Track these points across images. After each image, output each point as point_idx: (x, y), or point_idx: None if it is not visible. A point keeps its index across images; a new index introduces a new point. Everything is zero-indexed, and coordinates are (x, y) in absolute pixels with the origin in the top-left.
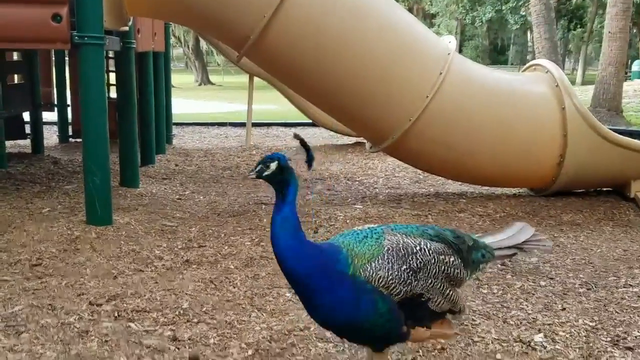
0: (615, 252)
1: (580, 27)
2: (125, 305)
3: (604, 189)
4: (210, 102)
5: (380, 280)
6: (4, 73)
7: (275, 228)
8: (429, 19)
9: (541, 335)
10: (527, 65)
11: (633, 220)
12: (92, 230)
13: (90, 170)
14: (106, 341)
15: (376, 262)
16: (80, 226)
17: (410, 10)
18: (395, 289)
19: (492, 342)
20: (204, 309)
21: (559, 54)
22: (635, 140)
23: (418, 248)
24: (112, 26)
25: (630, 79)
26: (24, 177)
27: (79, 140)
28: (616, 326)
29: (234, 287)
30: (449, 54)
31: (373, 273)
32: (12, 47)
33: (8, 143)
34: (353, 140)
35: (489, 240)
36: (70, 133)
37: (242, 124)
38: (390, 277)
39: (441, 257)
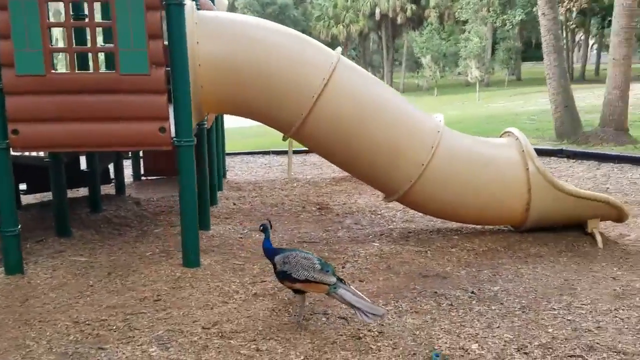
0: (558, 281)
1: (608, 28)
2: (224, 328)
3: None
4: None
5: (276, 260)
6: None
7: (264, 245)
8: (460, 25)
9: (476, 345)
10: (503, 131)
11: (587, 252)
12: (187, 271)
13: (186, 229)
14: (220, 352)
15: (279, 255)
16: (179, 268)
17: (441, 16)
18: (277, 263)
19: (441, 349)
20: (271, 330)
21: (568, 79)
22: (583, 190)
23: (292, 257)
24: (195, 122)
25: None
26: (119, 220)
27: (150, 177)
28: (526, 339)
29: (289, 315)
30: (438, 131)
31: (277, 258)
32: (132, 149)
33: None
34: None
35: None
36: (142, 172)
37: (284, 152)
38: (277, 260)
39: (303, 260)
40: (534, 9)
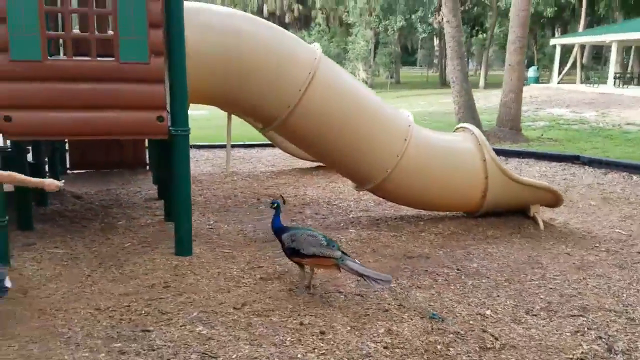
0: (523, 258)
1: (482, 33)
2: (255, 307)
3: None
4: None
5: (284, 237)
6: None
7: (273, 221)
8: (345, 27)
9: (489, 311)
10: (457, 126)
11: (533, 233)
12: (183, 260)
13: (181, 221)
14: (267, 327)
15: (287, 233)
16: (171, 257)
17: (327, 19)
18: (285, 241)
19: (462, 316)
20: (301, 308)
21: (469, 82)
22: (529, 179)
23: (299, 235)
24: None
25: (525, 84)
26: (71, 214)
27: (75, 171)
28: (527, 304)
29: (310, 294)
30: (409, 125)
31: (285, 236)
32: (129, 137)
33: None
34: (315, 164)
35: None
36: (68, 166)
37: (207, 146)
38: (284, 238)
39: (309, 238)
40: (413, 17)
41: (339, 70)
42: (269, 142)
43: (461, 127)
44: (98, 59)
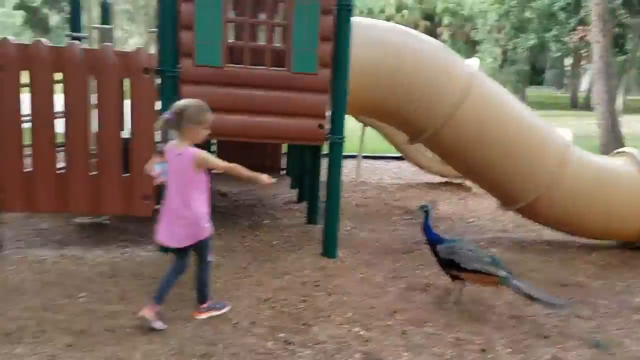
0: None
1: (620, 55)
2: (407, 316)
3: None
4: None
5: (439, 248)
6: None
7: (425, 229)
8: (471, 44)
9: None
10: (617, 150)
11: None
12: (329, 262)
13: (330, 222)
14: (424, 338)
15: (443, 244)
16: (317, 258)
17: (452, 35)
18: (441, 251)
19: (632, 351)
20: (454, 321)
21: (614, 105)
22: None
23: (458, 248)
24: None
25: None
26: (221, 210)
27: (215, 171)
28: None
29: (459, 310)
30: (568, 145)
31: (441, 247)
32: (291, 142)
33: None
34: (444, 179)
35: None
36: None
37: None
38: (440, 249)
39: (469, 252)
40: (547, 36)
41: (494, 85)
42: (396, 155)
43: (621, 151)
44: (271, 68)
